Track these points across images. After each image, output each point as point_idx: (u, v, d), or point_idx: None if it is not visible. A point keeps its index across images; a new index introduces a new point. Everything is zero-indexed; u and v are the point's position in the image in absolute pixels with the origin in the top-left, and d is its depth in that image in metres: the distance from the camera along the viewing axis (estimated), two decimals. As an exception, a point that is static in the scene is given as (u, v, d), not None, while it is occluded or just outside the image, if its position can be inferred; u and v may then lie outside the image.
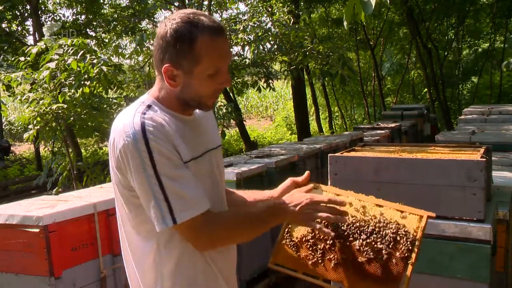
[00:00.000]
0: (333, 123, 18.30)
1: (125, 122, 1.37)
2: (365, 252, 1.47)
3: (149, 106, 1.42)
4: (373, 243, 1.47)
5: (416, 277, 2.61)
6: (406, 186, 2.62)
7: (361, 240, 1.49)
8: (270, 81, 8.12)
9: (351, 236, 1.51)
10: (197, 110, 1.53)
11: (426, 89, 16.75)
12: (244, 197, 1.72)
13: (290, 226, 1.61)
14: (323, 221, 1.46)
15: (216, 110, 6.18)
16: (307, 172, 1.69)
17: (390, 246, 1.45)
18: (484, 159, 2.45)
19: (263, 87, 8.02)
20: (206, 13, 2.22)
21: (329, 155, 2.86)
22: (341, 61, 6.64)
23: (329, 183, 2.86)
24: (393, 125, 8.39)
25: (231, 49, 7.82)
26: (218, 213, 1.46)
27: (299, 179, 1.68)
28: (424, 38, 15.10)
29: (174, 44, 1.36)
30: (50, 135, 5.29)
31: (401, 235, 1.45)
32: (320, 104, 18.77)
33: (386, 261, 1.44)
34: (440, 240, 2.51)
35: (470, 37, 17.64)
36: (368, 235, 1.49)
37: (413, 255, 1.43)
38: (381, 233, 1.47)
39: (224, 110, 6.34)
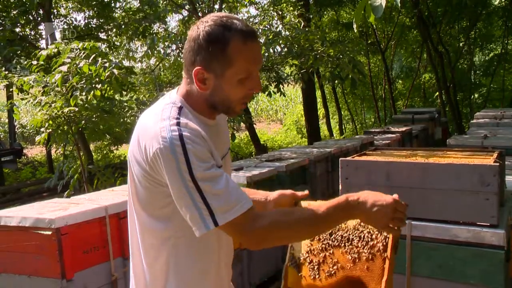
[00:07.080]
0: (343, 127, 18.24)
1: (161, 125, 1.34)
2: (349, 256, 1.57)
3: (180, 108, 1.40)
4: (354, 246, 1.57)
5: (428, 281, 2.59)
6: (418, 190, 2.60)
7: (345, 247, 1.59)
8: (281, 85, 8.08)
9: (337, 245, 1.61)
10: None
11: (437, 93, 16.63)
12: None
13: (293, 247, 1.68)
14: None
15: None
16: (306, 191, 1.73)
17: (369, 245, 1.54)
18: (498, 164, 2.43)
19: (273, 92, 7.99)
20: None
21: (340, 159, 2.85)
22: (351, 63, 6.61)
23: (340, 187, 2.86)
24: (403, 129, 8.35)
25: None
26: (264, 212, 1.43)
27: (296, 193, 1.71)
28: (435, 42, 15.00)
29: (207, 47, 1.34)
30: (62, 138, 5.33)
31: (376, 232, 1.55)
32: (331, 108, 18.72)
33: (367, 260, 1.52)
34: (452, 245, 2.50)
35: (481, 41, 17.50)
36: (349, 239, 1.59)
37: (388, 249, 1.51)
38: (359, 235, 1.57)
39: (234, 113, 6.31)
